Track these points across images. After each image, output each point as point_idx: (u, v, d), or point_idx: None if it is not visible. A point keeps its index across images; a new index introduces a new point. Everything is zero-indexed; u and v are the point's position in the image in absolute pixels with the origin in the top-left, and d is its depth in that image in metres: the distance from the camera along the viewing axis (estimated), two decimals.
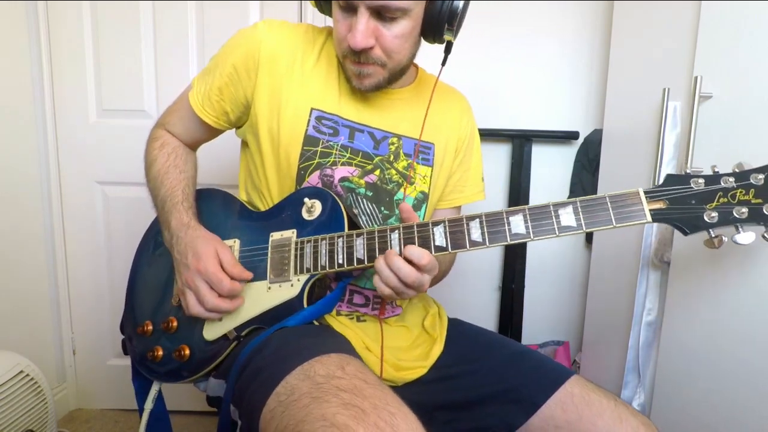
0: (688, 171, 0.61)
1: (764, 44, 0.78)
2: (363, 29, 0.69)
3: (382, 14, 0.69)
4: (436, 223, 0.67)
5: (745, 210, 0.57)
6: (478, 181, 0.97)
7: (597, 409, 0.71)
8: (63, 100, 1.49)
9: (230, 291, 0.71)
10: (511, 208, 0.64)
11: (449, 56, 0.81)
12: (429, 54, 0.87)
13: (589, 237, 1.50)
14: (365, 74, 0.75)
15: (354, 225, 0.75)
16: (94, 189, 1.53)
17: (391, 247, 0.68)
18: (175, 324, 0.79)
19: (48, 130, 1.48)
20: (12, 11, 1.36)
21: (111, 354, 1.59)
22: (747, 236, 0.58)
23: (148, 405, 0.84)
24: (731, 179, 0.59)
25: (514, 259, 1.51)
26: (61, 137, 1.51)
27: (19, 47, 1.39)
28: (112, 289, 1.57)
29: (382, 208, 0.82)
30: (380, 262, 0.66)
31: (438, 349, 0.83)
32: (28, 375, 1.17)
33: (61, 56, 1.46)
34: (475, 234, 0.65)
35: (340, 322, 0.79)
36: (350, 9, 0.70)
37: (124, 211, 1.52)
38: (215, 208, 0.86)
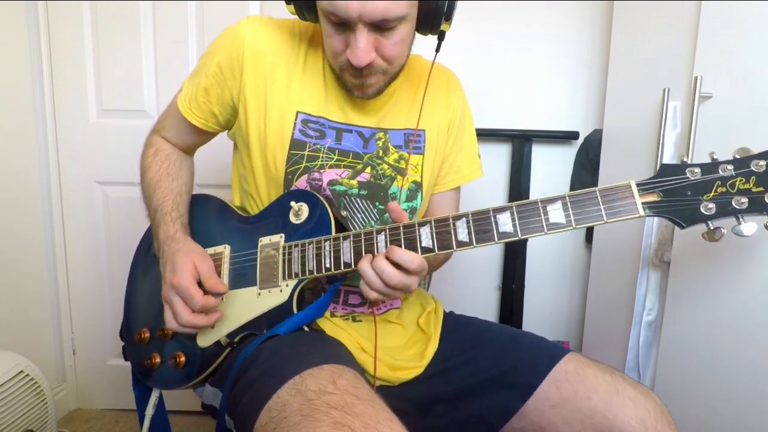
0: (685, 160, 0.57)
1: (764, 44, 0.78)
2: (364, 46, 0.66)
3: (380, 26, 0.66)
4: (422, 224, 0.65)
5: (745, 200, 0.54)
6: (474, 159, 0.94)
7: (592, 383, 0.69)
8: (63, 100, 1.48)
9: (202, 306, 0.69)
10: (499, 206, 0.62)
11: (442, 45, 0.78)
12: (419, 40, 0.82)
13: (589, 236, 1.50)
14: (368, 84, 0.73)
15: (342, 227, 0.74)
16: (94, 189, 1.53)
17: (377, 250, 0.66)
18: (170, 331, 0.78)
19: (48, 130, 1.48)
20: (12, 11, 1.35)
21: (111, 354, 1.59)
22: (748, 227, 0.54)
23: (149, 411, 0.83)
24: (730, 167, 0.55)
25: (514, 259, 1.51)
26: (61, 137, 1.50)
27: (19, 47, 1.38)
28: (112, 289, 1.56)
29: (377, 203, 0.81)
30: (364, 264, 0.65)
31: (433, 347, 0.82)
32: (28, 375, 1.17)
33: (61, 56, 1.46)
34: (462, 234, 0.63)
35: (334, 324, 0.78)
36: (345, 26, 0.66)
37: (124, 211, 1.52)
38: (207, 214, 0.85)
